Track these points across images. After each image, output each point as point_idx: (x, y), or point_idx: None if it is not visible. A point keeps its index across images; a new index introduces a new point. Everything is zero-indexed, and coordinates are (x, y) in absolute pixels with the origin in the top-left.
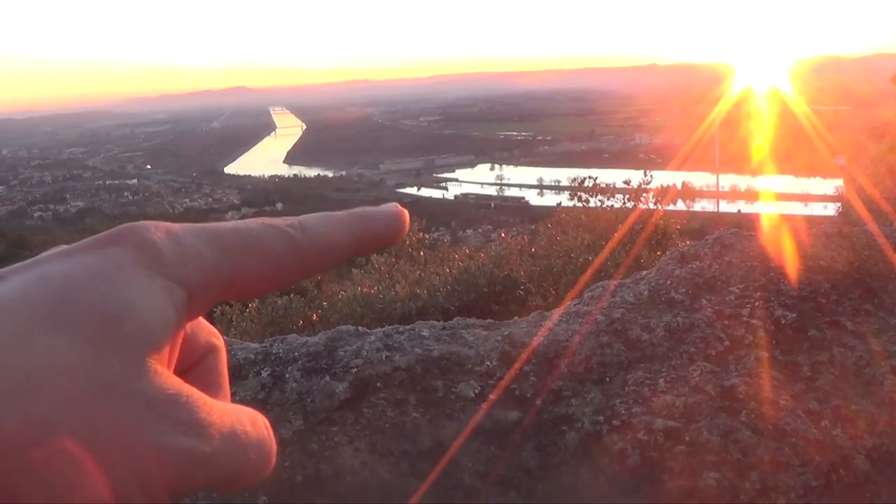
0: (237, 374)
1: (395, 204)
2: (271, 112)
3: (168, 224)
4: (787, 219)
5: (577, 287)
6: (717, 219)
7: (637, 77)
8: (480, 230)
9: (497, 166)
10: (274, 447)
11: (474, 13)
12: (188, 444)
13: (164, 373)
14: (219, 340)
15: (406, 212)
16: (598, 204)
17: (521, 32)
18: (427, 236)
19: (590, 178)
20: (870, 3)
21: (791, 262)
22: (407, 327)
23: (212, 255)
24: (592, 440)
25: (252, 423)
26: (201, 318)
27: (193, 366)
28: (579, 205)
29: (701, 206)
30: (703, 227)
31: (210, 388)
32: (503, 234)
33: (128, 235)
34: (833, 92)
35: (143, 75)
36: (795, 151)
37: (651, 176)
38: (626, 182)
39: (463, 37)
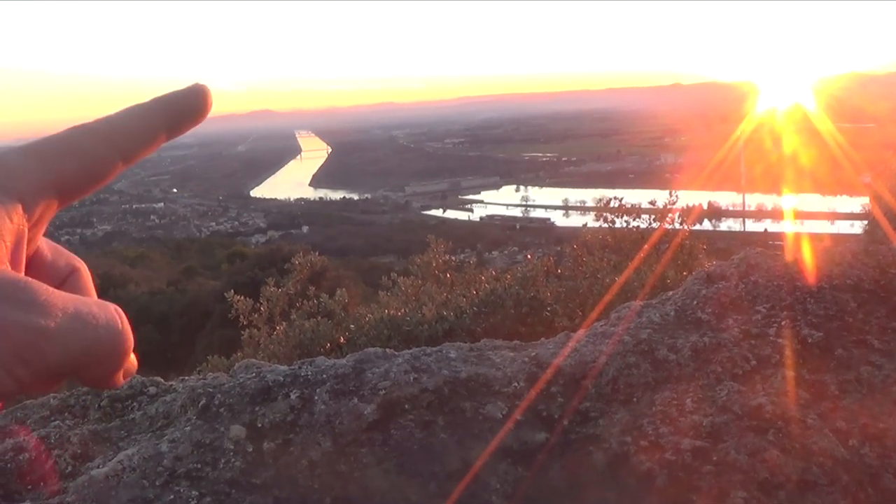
0: (266, 396)
1: (199, 83)
2: (297, 135)
3: None
4: (814, 237)
5: (603, 307)
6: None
7: (661, 96)
8: (506, 252)
9: (522, 188)
10: (127, 330)
11: (499, 35)
12: (30, 319)
13: (1, 266)
14: (79, 262)
15: (209, 89)
16: (624, 224)
17: (545, 53)
18: (453, 258)
19: (615, 198)
20: (895, 20)
21: (817, 281)
22: (434, 349)
23: (33, 166)
24: (620, 461)
25: (100, 307)
26: (60, 247)
27: (59, 286)
28: (605, 225)
29: (727, 225)
30: (729, 247)
31: None
32: (529, 256)
33: None
34: (858, 109)
35: None
36: (821, 169)
37: (676, 196)
38: (652, 202)
39: (488, 58)
